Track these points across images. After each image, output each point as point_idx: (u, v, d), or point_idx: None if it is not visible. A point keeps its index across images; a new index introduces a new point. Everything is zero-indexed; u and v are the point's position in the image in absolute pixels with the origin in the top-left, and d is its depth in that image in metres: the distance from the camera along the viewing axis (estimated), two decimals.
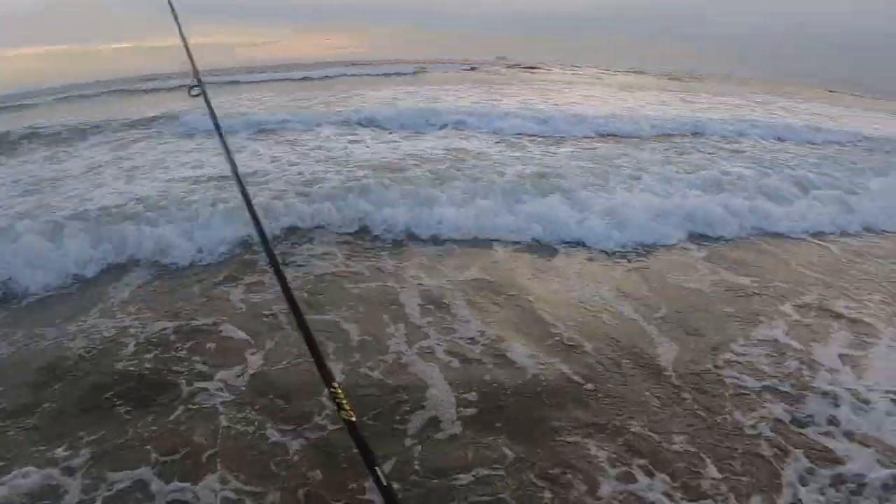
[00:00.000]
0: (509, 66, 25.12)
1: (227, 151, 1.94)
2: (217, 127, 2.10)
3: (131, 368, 3.04)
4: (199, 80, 2.25)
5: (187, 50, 2.49)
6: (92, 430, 2.59)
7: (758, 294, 3.93)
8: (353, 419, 1.12)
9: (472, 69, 24.04)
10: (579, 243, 4.87)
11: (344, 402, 1.14)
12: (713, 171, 6.77)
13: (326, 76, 21.93)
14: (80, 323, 3.49)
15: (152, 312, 3.61)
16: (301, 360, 3.03)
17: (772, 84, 20.06)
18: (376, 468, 1.04)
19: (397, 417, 2.67)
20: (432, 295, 3.81)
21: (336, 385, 1.17)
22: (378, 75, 22.19)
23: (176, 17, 2.76)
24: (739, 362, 3.10)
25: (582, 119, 10.20)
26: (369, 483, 2.25)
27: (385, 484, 1.03)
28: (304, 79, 21.09)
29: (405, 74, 22.17)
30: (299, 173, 6.47)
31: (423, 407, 2.73)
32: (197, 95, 2.21)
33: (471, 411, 2.71)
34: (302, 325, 1.29)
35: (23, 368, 3.08)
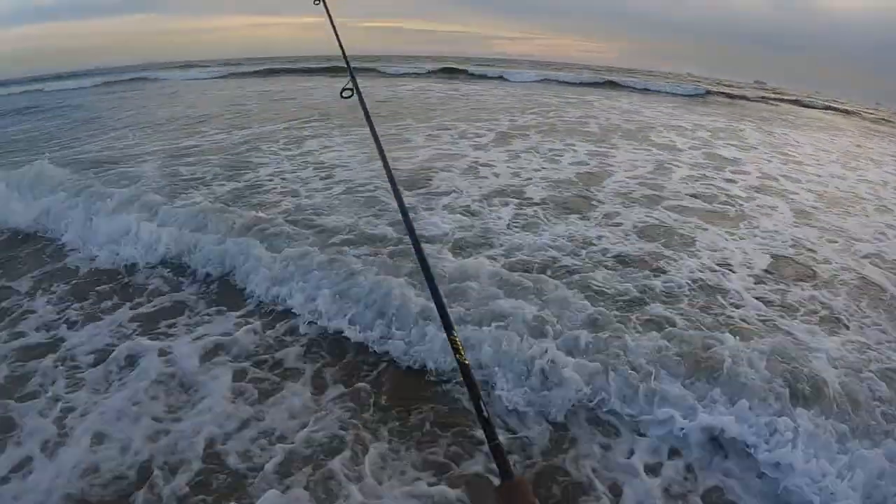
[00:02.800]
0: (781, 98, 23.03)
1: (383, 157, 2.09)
2: (372, 130, 2.24)
3: None
4: (354, 82, 2.43)
5: (343, 54, 2.82)
6: None
7: None
8: (468, 362, 1.33)
9: (743, 98, 22.07)
10: None
11: (460, 347, 1.36)
12: None
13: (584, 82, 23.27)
14: None
15: None
16: None
17: None
18: (480, 401, 1.24)
19: None
20: None
21: (455, 334, 1.40)
22: (651, 91, 22.12)
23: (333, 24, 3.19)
24: None
25: None
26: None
27: (486, 415, 1.21)
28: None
29: (689, 96, 21.62)
30: None
31: None
32: (349, 97, 2.40)
33: None
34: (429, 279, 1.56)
35: None
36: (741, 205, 6.29)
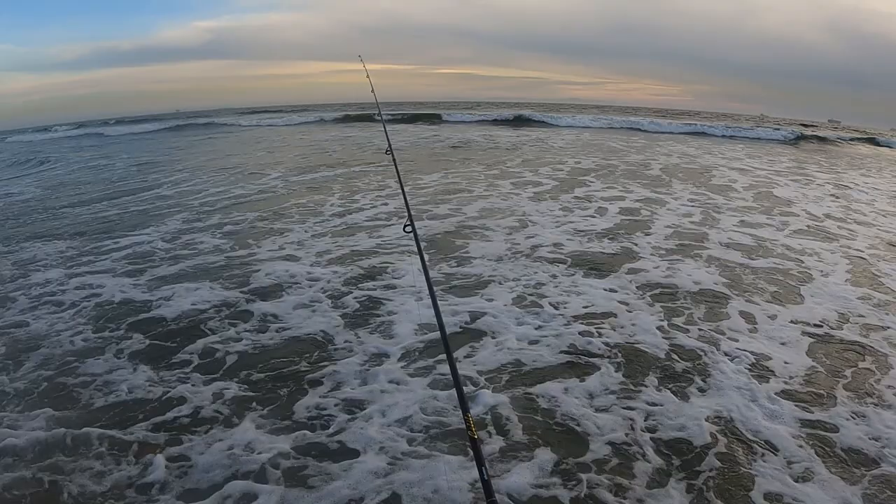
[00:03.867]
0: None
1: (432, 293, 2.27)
2: (424, 267, 2.50)
3: None
4: (411, 222, 2.77)
5: (404, 196, 3.33)
6: None
7: None
8: (476, 437, 1.59)
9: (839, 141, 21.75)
10: None
11: (472, 425, 1.61)
12: None
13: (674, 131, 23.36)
14: None
15: None
16: None
17: None
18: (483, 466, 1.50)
19: None
20: None
21: (469, 413, 1.67)
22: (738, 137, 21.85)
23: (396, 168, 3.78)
24: None
25: None
26: None
27: (486, 478, 1.46)
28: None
29: (783, 142, 21.33)
30: None
31: None
32: (409, 233, 2.71)
33: None
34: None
35: None
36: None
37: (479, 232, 6.87)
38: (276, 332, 4.24)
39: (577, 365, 3.73)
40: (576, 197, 8.94)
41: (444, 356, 3.47)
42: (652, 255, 6.02)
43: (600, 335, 4.13)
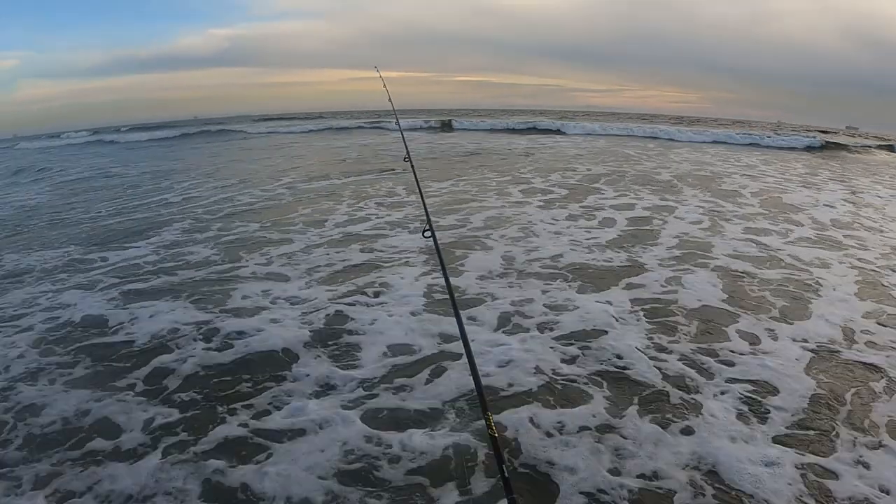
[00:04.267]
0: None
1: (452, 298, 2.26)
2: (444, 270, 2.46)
3: None
4: (430, 227, 2.75)
5: (423, 201, 3.18)
6: None
7: None
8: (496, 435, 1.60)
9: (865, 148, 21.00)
10: None
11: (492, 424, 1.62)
12: None
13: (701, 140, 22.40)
14: None
15: None
16: None
17: None
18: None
19: None
20: None
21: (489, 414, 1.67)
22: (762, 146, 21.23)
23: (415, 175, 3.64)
24: None
25: None
26: None
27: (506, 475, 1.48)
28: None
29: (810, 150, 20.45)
30: None
31: None
32: (428, 238, 2.68)
33: None
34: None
35: None
36: None
37: (483, 241, 6.66)
38: (234, 352, 4.01)
39: (553, 390, 3.43)
40: (584, 206, 8.62)
41: (394, 391, 3.38)
42: (658, 267, 5.69)
43: (584, 356, 3.82)
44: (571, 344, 4.00)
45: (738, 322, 4.38)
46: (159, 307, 4.90)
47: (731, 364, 3.73)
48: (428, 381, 3.56)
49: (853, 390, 3.44)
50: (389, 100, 5.57)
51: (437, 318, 4.45)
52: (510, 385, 3.48)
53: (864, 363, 3.77)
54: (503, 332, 4.23)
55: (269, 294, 5.14)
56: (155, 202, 10.20)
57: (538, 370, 3.64)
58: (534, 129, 26.99)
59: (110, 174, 15.60)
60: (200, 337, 4.28)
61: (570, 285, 5.19)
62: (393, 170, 12.71)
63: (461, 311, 2.17)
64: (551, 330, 4.24)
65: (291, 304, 4.90)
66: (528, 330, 4.25)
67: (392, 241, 6.77)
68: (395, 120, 5.65)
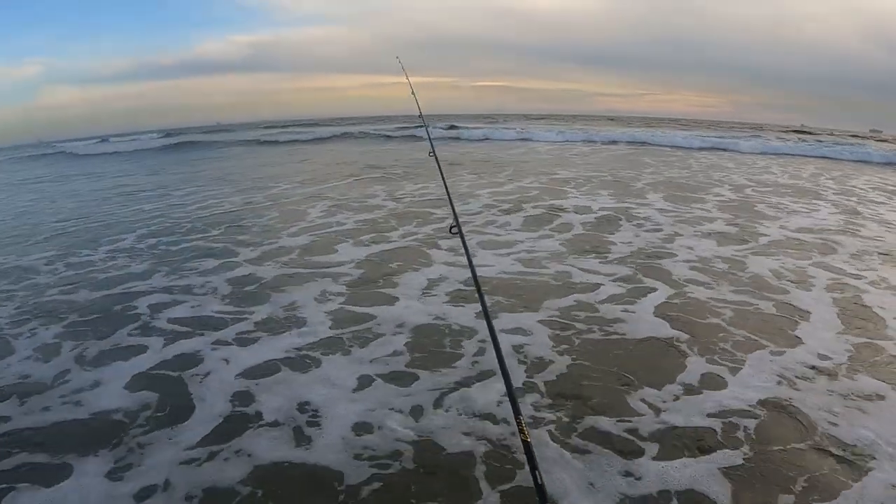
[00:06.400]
0: None
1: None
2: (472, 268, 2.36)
3: None
4: (457, 223, 2.71)
5: (449, 198, 3.22)
6: None
7: None
8: (529, 440, 1.49)
9: None
10: None
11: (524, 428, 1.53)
12: None
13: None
14: None
15: None
16: None
17: None
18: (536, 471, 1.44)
19: None
20: None
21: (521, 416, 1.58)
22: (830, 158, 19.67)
23: (441, 171, 3.84)
24: None
25: None
26: None
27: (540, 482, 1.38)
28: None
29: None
30: None
31: None
32: (455, 234, 2.63)
33: None
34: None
35: None
36: None
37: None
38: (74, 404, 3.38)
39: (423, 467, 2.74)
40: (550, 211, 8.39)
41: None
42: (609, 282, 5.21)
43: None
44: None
45: (693, 359, 3.75)
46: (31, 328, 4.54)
47: (664, 423, 3.03)
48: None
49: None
50: (412, 92, 5.70)
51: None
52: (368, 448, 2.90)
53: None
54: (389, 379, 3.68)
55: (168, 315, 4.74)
56: (129, 211, 9.62)
57: (396, 436, 2.98)
58: (560, 139, 25.86)
59: (116, 179, 15.47)
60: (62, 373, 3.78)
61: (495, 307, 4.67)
62: (402, 175, 12.75)
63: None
64: (441, 374, 3.62)
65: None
66: (419, 374, 3.66)
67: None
68: (421, 121, 5.46)
